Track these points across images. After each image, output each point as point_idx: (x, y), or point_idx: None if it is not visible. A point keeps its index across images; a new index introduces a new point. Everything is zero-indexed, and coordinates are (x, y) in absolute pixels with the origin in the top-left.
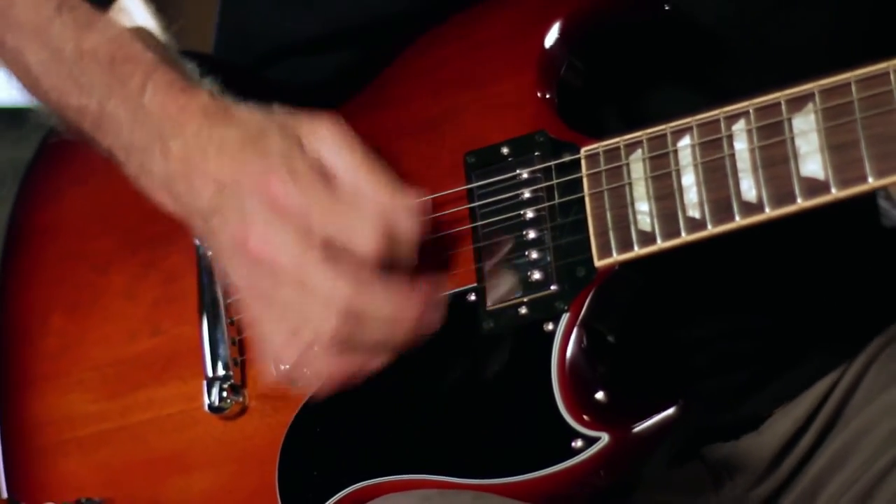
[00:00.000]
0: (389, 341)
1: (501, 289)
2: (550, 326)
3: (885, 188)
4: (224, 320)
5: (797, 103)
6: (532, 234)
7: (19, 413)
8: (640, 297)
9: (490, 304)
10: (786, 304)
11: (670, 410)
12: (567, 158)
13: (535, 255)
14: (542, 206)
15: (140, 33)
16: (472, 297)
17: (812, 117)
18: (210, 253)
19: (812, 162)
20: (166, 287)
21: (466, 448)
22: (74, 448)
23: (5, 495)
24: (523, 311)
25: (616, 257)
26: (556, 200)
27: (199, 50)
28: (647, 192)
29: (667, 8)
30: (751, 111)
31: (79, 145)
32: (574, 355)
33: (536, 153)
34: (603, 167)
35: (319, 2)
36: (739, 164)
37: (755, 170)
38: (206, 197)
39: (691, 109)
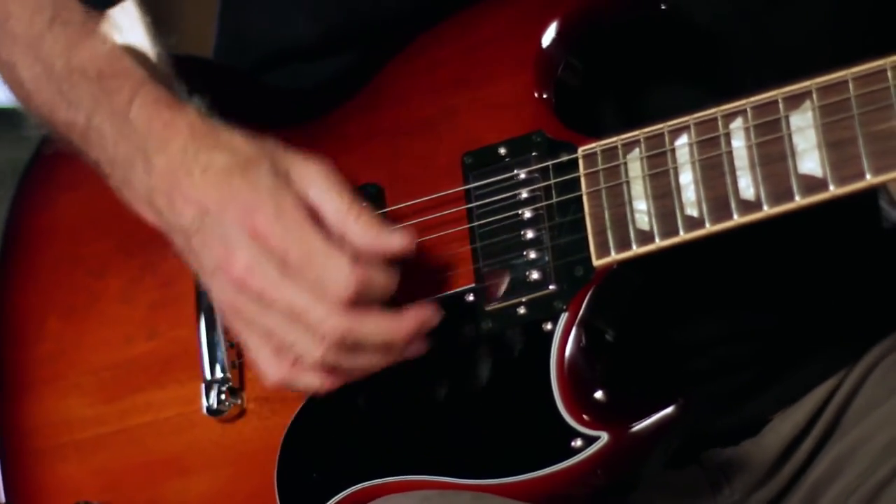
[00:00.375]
0: (377, 364)
1: (500, 289)
2: (549, 326)
3: (885, 188)
4: (221, 322)
5: (794, 101)
6: (530, 234)
7: (16, 417)
8: (638, 296)
9: (488, 304)
10: (787, 307)
11: (669, 409)
12: (564, 158)
13: (533, 254)
14: (540, 205)
15: (130, 50)
16: (471, 298)
17: (809, 114)
18: (191, 265)
19: (810, 159)
20: (163, 290)
21: (466, 449)
22: (72, 452)
23: (3, 500)
24: (522, 310)
25: (614, 256)
26: (554, 200)
27: (198, 54)
28: (645, 191)
29: (663, 7)
30: (748, 109)
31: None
32: (573, 355)
33: (534, 153)
34: (600, 166)
35: (317, 5)
36: (737, 162)
37: (753, 167)
38: (187, 217)
39: (689, 108)
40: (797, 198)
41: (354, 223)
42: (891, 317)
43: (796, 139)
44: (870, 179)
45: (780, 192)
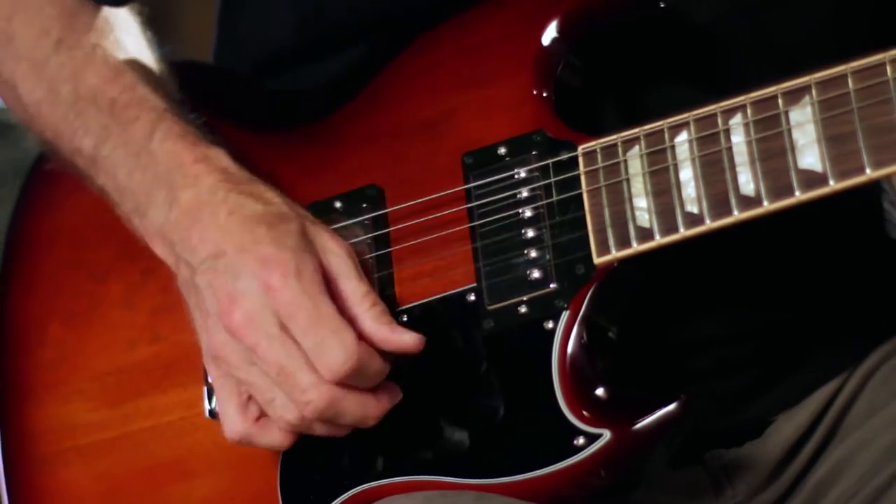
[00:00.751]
0: (339, 434)
1: (501, 288)
2: (550, 325)
3: (891, 188)
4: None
5: (794, 96)
6: (531, 233)
7: (19, 422)
8: (639, 294)
9: (489, 303)
10: (789, 308)
11: (671, 407)
12: (564, 156)
13: (533, 253)
14: (540, 204)
15: (141, 71)
16: (472, 297)
17: (809, 109)
18: (187, 300)
19: (809, 154)
20: (165, 295)
21: (468, 448)
22: (75, 457)
23: None
24: (523, 309)
25: (615, 254)
26: (554, 198)
27: (197, 59)
28: (645, 188)
29: (662, 5)
30: (747, 105)
31: None
32: (574, 353)
33: (534, 152)
34: (600, 164)
35: (317, 7)
36: (737, 158)
37: (753, 163)
38: (200, 255)
39: (688, 106)
40: (797, 193)
41: (370, 309)
42: (893, 319)
43: (796, 134)
44: (870, 174)
45: (780, 187)
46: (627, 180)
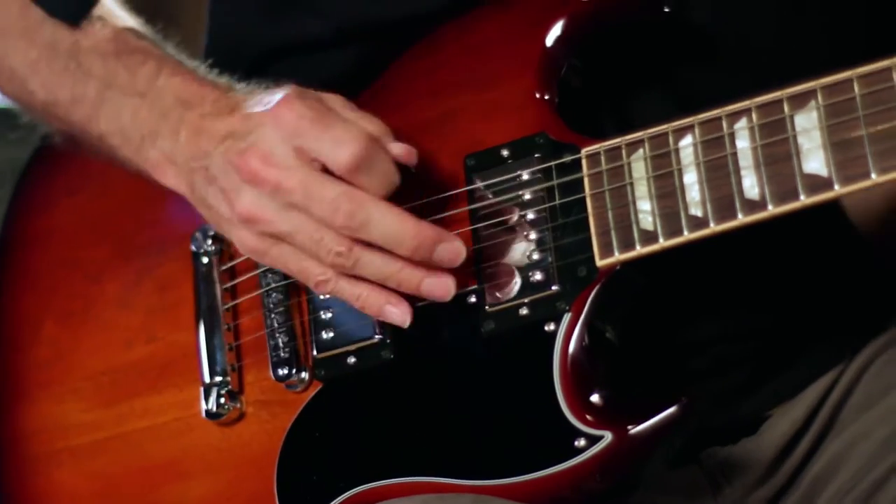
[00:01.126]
0: (392, 275)
1: (502, 290)
2: (552, 327)
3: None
4: (221, 326)
5: (799, 100)
6: (533, 235)
7: (12, 422)
8: (641, 296)
9: (491, 305)
10: (783, 305)
11: (672, 409)
12: (567, 159)
13: (536, 255)
14: (543, 206)
15: (140, 33)
16: (473, 299)
17: (814, 114)
18: (208, 207)
19: (814, 159)
20: (160, 295)
21: (468, 450)
22: (68, 457)
23: None
24: (524, 311)
25: (618, 257)
26: (557, 201)
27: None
28: (649, 191)
29: (666, 10)
30: (753, 109)
31: (73, 153)
32: (576, 355)
33: (537, 154)
34: (604, 167)
35: (314, 6)
36: (742, 162)
37: (757, 167)
38: (211, 148)
39: (691, 109)
40: (802, 197)
41: (369, 122)
42: (881, 315)
43: (801, 139)
44: (875, 179)
45: (784, 191)
46: (631, 183)
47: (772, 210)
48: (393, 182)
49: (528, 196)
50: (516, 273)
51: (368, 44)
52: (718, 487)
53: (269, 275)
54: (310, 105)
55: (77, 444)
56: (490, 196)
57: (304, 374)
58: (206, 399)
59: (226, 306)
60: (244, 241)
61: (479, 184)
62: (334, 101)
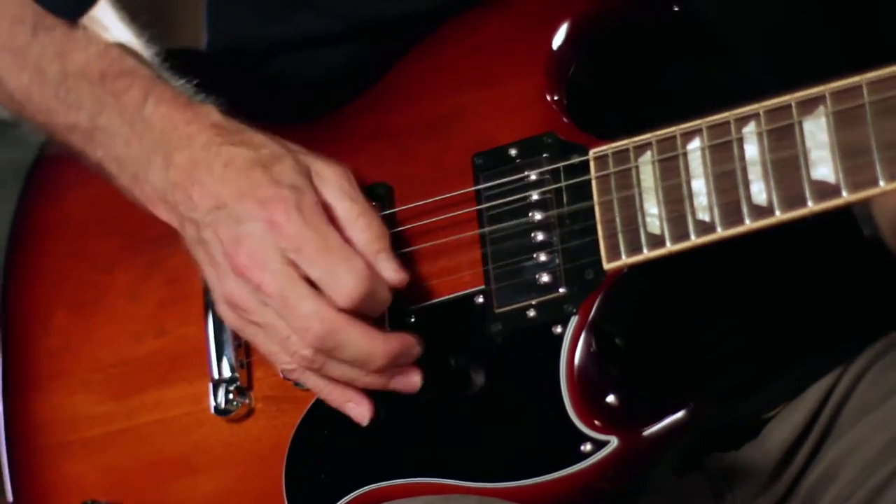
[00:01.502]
0: (358, 379)
1: (509, 291)
2: (559, 329)
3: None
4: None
5: (808, 105)
6: (540, 237)
7: (23, 413)
8: (648, 300)
9: (498, 306)
10: (783, 308)
11: (680, 414)
12: (576, 160)
13: (543, 257)
14: (551, 208)
15: (126, 48)
16: (480, 300)
17: (823, 120)
18: (197, 258)
19: (823, 165)
20: (171, 287)
21: (474, 451)
22: (79, 449)
23: (10, 499)
24: (531, 313)
25: (625, 260)
26: (565, 202)
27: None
28: (657, 195)
29: (676, 9)
30: (761, 113)
31: None
32: (583, 358)
33: (545, 155)
34: (612, 169)
35: (314, 3)
36: (750, 167)
37: (765, 173)
38: (202, 210)
39: (700, 110)
40: (810, 203)
41: (363, 231)
42: (879, 319)
43: (809, 144)
44: (883, 186)
45: (792, 197)
46: (639, 186)
47: (779, 216)
48: (383, 308)
49: (535, 197)
50: (524, 274)
51: (369, 41)
52: (721, 496)
53: None
54: (309, 219)
55: (89, 437)
56: (498, 197)
57: None
58: (215, 395)
59: None
60: (224, 314)
61: (487, 184)
62: (333, 188)
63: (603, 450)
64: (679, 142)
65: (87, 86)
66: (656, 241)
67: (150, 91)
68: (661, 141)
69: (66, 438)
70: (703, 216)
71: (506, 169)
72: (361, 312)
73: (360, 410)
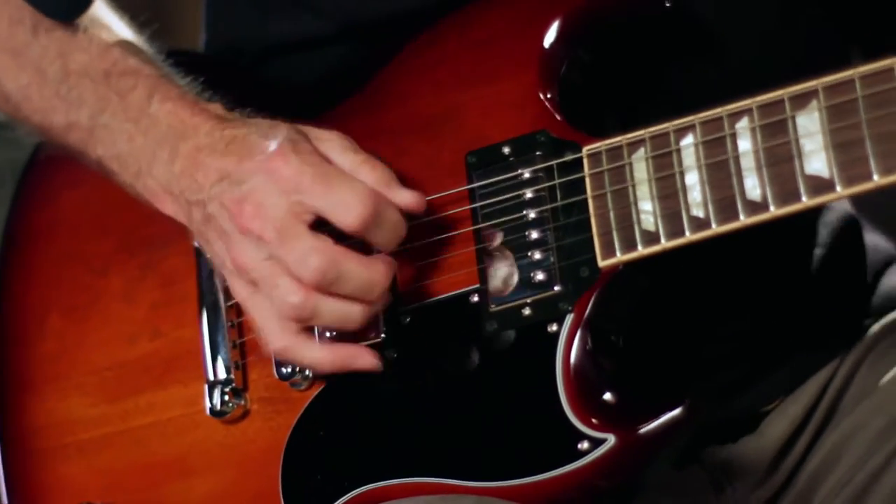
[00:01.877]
0: (350, 317)
1: (504, 290)
2: (554, 327)
3: None
4: (225, 323)
5: (801, 100)
6: (535, 235)
7: (18, 417)
8: (644, 297)
9: (493, 305)
10: (779, 301)
11: (676, 411)
12: (569, 157)
13: (538, 255)
14: (545, 206)
15: (129, 47)
16: (475, 299)
17: (816, 115)
18: (206, 243)
19: (817, 160)
20: (165, 290)
21: (471, 451)
22: (75, 452)
23: (6, 502)
24: (527, 312)
25: (620, 257)
26: (559, 200)
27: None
28: (651, 192)
29: (667, 5)
30: (754, 108)
31: None
32: (578, 356)
33: (538, 153)
34: (605, 166)
35: (311, 3)
36: (743, 163)
37: (759, 168)
38: (207, 186)
39: (694, 107)
40: (804, 198)
41: (370, 173)
42: (875, 310)
43: (803, 140)
44: (877, 181)
45: (786, 192)
46: (633, 183)
47: (774, 211)
48: (401, 234)
49: (529, 195)
50: (519, 273)
51: (366, 40)
52: (720, 488)
53: None
54: (307, 159)
55: (84, 439)
56: (492, 195)
57: (308, 372)
58: (210, 397)
59: (229, 303)
60: (233, 286)
61: (481, 182)
62: (332, 144)
63: (600, 447)
64: (672, 138)
65: (90, 84)
66: (651, 237)
67: (155, 89)
68: (654, 137)
69: (61, 441)
70: (698, 212)
71: (499, 167)
72: (375, 242)
73: (368, 359)
